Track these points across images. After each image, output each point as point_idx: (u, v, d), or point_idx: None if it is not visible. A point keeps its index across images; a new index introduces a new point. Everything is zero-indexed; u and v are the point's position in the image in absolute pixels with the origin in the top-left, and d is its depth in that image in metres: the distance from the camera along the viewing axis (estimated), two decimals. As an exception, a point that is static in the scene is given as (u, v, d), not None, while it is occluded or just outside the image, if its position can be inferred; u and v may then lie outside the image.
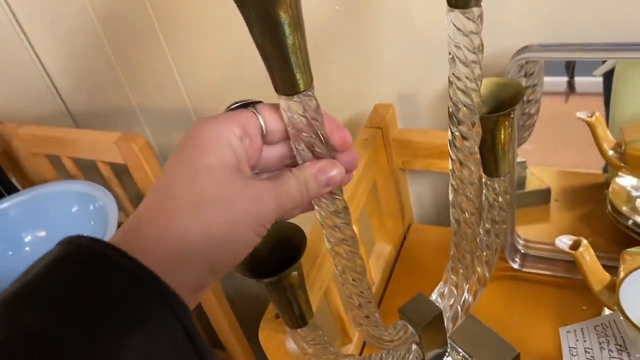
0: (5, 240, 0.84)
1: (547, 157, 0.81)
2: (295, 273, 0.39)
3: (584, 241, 0.52)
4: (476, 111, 0.42)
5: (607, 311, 0.56)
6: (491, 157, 0.47)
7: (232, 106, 0.36)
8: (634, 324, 0.35)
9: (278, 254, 0.41)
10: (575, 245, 0.52)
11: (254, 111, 0.35)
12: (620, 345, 0.38)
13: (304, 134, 0.36)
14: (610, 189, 0.73)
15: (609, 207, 0.72)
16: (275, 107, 0.36)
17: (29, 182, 0.94)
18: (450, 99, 0.43)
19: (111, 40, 0.90)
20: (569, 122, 0.74)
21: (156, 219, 0.30)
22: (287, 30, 0.30)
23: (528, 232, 0.73)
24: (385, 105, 0.70)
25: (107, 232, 0.73)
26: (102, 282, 0.26)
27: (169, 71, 0.88)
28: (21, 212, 0.85)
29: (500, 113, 0.44)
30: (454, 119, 0.43)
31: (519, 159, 0.79)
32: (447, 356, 0.56)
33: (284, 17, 0.29)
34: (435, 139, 0.69)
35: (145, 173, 0.79)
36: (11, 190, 0.90)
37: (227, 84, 0.86)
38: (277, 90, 0.34)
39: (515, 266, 0.68)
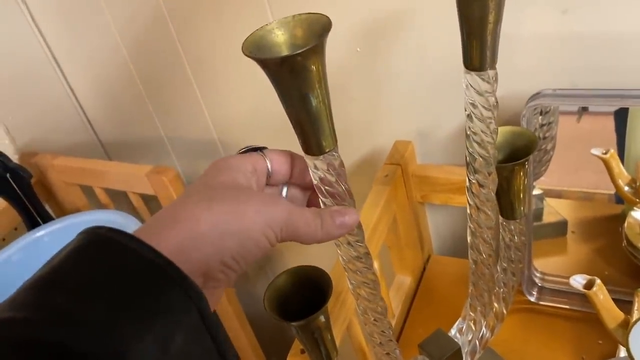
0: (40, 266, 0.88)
1: (563, 179, 0.82)
2: (322, 317, 0.42)
3: (598, 281, 0.54)
4: (492, 162, 0.45)
5: (622, 349, 0.58)
6: (507, 202, 0.50)
7: (243, 150, 0.40)
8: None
9: (304, 295, 0.43)
10: (589, 285, 0.54)
11: (262, 154, 0.39)
12: (632, 387, 0.40)
13: (327, 187, 0.39)
14: (626, 223, 0.75)
15: (625, 241, 0.73)
16: (280, 151, 0.40)
17: (63, 211, 0.99)
18: (467, 150, 0.45)
19: (142, 75, 0.94)
20: (583, 142, 0.75)
21: (172, 213, 0.32)
22: (315, 104, 0.33)
23: (545, 265, 0.74)
24: (404, 142, 0.73)
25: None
26: (123, 269, 0.27)
27: (197, 104, 0.92)
28: (56, 240, 0.89)
29: (515, 162, 0.46)
30: (471, 168, 0.46)
31: (536, 191, 0.81)
32: (466, 389, 0.58)
33: (313, 95, 0.32)
34: (452, 175, 0.71)
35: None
36: (46, 218, 0.94)
37: (252, 117, 0.90)
38: (303, 149, 0.37)
39: (532, 299, 0.70)
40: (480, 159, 0.45)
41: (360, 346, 0.63)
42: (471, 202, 0.48)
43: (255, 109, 0.88)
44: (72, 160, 0.93)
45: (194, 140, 1.00)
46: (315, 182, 0.39)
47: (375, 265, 0.67)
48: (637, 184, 0.70)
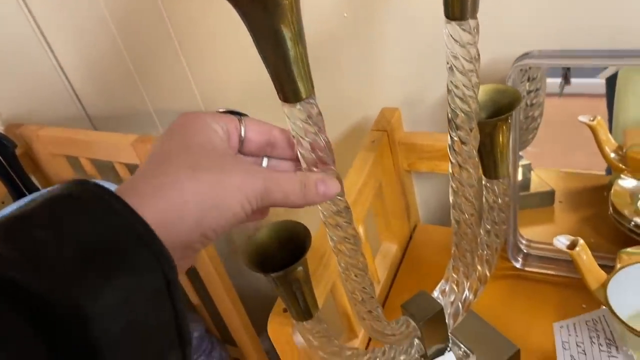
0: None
1: (554, 160, 0.82)
2: (300, 268, 0.42)
3: (581, 241, 0.54)
4: (474, 117, 0.45)
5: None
6: (490, 161, 0.49)
7: (221, 110, 0.39)
8: (620, 320, 0.37)
9: (285, 250, 0.43)
10: (572, 245, 0.54)
11: (238, 118, 0.38)
12: (609, 340, 0.40)
13: (306, 138, 0.39)
14: (612, 191, 0.75)
15: (611, 209, 0.73)
16: (260, 122, 0.39)
17: (49, 183, 0.98)
18: (449, 105, 0.45)
19: (129, 48, 0.93)
20: (574, 124, 0.75)
21: (155, 177, 0.31)
22: (289, 44, 0.32)
23: (532, 233, 0.74)
24: (391, 109, 0.73)
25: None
26: (98, 222, 0.27)
27: (184, 77, 0.91)
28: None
29: (498, 118, 0.46)
30: (453, 124, 0.45)
31: (524, 162, 0.81)
32: (449, 351, 0.58)
33: (286, 32, 0.32)
34: (439, 142, 0.71)
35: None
36: (32, 189, 0.93)
37: (240, 89, 0.89)
38: (280, 98, 0.37)
39: (518, 265, 0.70)
40: (462, 115, 0.44)
41: (344, 310, 0.63)
42: (453, 160, 0.48)
43: (243, 81, 0.87)
44: (57, 131, 0.92)
45: (180, 111, 0.99)
46: (293, 133, 0.39)
47: (361, 230, 0.67)
48: (624, 150, 0.70)
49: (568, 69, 0.70)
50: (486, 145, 0.48)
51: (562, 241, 0.53)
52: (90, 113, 1.09)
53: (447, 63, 0.42)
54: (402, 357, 0.56)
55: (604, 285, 0.51)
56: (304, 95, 0.36)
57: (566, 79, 0.72)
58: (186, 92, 0.94)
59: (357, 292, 0.49)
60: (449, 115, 0.45)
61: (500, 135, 0.47)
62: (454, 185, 0.50)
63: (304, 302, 0.45)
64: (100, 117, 1.09)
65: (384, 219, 0.74)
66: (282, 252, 0.43)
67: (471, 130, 0.45)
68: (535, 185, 0.81)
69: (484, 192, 0.53)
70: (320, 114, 0.38)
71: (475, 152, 0.47)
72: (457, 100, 0.44)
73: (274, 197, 0.35)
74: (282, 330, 0.51)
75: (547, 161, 0.82)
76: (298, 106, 0.37)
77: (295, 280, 0.43)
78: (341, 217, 0.43)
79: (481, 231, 0.55)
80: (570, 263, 0.70)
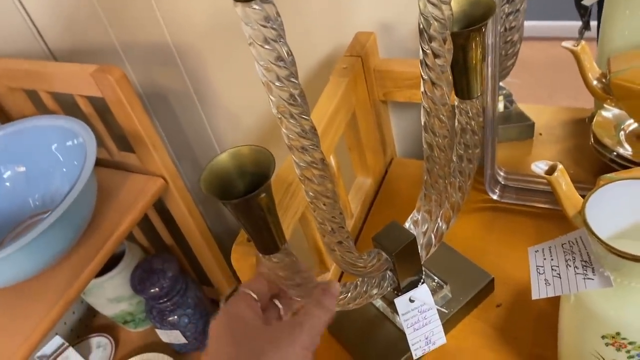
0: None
1: (542, 102, 0.80)
2: (264, 196, 0.38)
3: (560, 166, 0.51)
4: (447, 25, 0.41)
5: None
6: (463, 79, 0.46)
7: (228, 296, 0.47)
8: (598, 239, 0.35)
9: (249, 178, 0.40)
10: (551, 170, 0.51)
11: (250, 294, 0.45)
12: (585, 262, 0.38)
13: (266, 46, 0.35)
14: (594, 121, 0.72)
15: (592, 139, 0.71)
16: (256, 279, 0.47)
17: (8, 118, 0.93)
18: (421, 15, 0.41)
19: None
20: (561, 68, 0.73)
21: None
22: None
23: (510, 165, 0.72)
24: (366, 34, 0.68)
25: (85, 168, 0.73)
26: None
27: (148, 5, 0.86)
28: (4, 146, 0.84)
29: (471, 28, 0.42)
30: (425, 35, 0.42)
31: (505, 91, 0.78)
32: (422, 283, 0.56)
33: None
34: (416, 69, 0.67)
35: (123, 106, 0.77)
36: (-9, 126, 0.88)
37: (207, 19, 0.83)
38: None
39: (495, 197, 0.68)
40: (435, 23, 0.40)
41: (314, 242, 0.61)
42: (425, 77, 0.45)
43: (210, 9, 0.82)
44: (13, 62, 0.86)
45: (146, 44, 0.94)
46: (250, 40, 0.35)
47: (332, 162, 0.64)
48: (608, 77, 0.67)
49: (589, 14, 0.67)
50: (459, 62, 0.45)
51: (540, 166, 0.51)
52: (53, 48, 1.03)
53: (418, -35, 0.38)
54: (374, 291, 0.54)
55: (582, 206, 0.49)
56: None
57: (586, 25, 0.68)
58: (150, 22, 0.88)
59: (327, 222, 0.47)
60: (421, 24, 0.42)
61: (474, 49, 0.44)
62: (426, 105, 0.47)
63: (268, 234, 0.41)
64: (63, 52, 1.03)
65: (358, 152, 0.71)
66: (245, 180, 0.40)
67: (444, 41, 0.42)
68: (515, 118, 0.79)
69: (457, 114, 0.50)
70: (279, 17, 0.34)
71: (448, 68, 0.44)
72: (430, 7, 0.40)
73: (318, 333, 0.43)
74: (246, 260, 0.49)
75: (530, 98, 0.79)
76: (254, 5, 0.33)
77: (258, 209, 0.39)
78: (306, 139, 0.40)
79: (454, 158, 0.52)
80: (548, 194, 0.68)
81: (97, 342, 1.11)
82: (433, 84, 0.45)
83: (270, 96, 0.37)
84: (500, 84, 0.75)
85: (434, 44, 0.42)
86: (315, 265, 0.66)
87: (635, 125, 0.70)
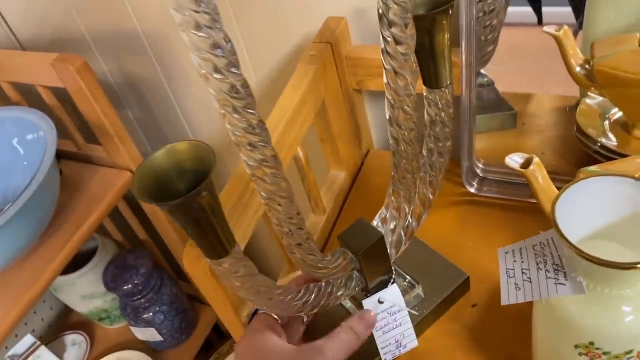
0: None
1: (530, 90, 0.77)
2: (205, 194, 0.35)
3: (535, 159, 0.48)
4: (408, 8, 0.37)
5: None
6: (430, 65, 0.43)
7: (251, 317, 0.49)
8: (568, 242, 0.32)
9: (191, 180, 0.37)
10: (526, 163, 0.48)
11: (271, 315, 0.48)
12: (557, 265, 0.35)
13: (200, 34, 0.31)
14: (578, 109, 0.69)
15: (575, 128, 0.68)
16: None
17: (-30, 111, 0.89)
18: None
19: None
20: (546, 55, 0.69)
21: None
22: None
23: (490, 157, 0.69)
24: (336, 19, 0.65)
25: (45, 160, 0.69)
26: None
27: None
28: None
29: (436, 10, 0.39)
30: (385, 20, 0.38)
31: (485, 79, 0.74)
32: (392, 283, 0.53)
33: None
34: (389, 56, 0.63)
35: (85, 97, 0.74)
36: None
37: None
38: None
39: (472, 190, 0.65)
40: (395, 6, 0.37)
41: (279, 241, 0.57)
42: (387, 66, 0.41)
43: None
44: (-28, 52, 0.82)
45: (115, 33, 0.90)
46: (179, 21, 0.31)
47: (301, 154, 0.60)
48: (591, 63, 0.64)
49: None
50: (425, 47, 0.41)
51: (515, 159, 0.48)
52: (22, 39, 0.99)
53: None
54: (340, 292, 0.51)
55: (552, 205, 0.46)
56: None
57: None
58: (118, 8, 0.84)
59: (283, 224, 0.43)
60: (380, 9, 0.38)
61: (441, 33, 0.40)
62: (389, 97, 0.43)
63: (214, 237, 0.38)
64: (32, 42, 0.99)
65: (330, 144, 0.68)
66: (186, 180, 0.37)
67: (406, 26, 0.38)
68: (497, 107, 0.75)
69: (425, 105, 0.46)
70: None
71: (412, 56, 0.40)
72: (388, -11, 0.37)
73: (342, 349, 0.45)
74: (200, 263, 0.46)
75: (512, 86, 0.75)
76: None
77: (199, 210, 0.36)
78: (254, 135, 0.37)
79: (423, 151, 0.49)
80: (526, 187, 0.65)
81: (71, 339, 1.09)
82: (396, 73, 0.41)
83: (210, 89, 0.34)
84: (482, 71, 0.72)
85: (394, 30, 0.38)
86: (284, 264, 0.63)
87: (620, 114, 0.67)
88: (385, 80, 0.43)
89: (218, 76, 0.33)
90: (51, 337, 1.11)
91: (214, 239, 0.38)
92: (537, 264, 0.36)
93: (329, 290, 0.50)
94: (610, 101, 0.65)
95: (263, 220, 0.55)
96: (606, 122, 0.68)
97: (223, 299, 0.48)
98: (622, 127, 0.66)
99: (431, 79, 0.43)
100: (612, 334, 0.34)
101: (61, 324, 1.18)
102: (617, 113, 0.67)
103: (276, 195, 0.41)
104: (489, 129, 0.74)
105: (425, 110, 0.47)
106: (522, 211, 0.63)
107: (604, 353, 0.35)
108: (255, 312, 0.50)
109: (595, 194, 0.35)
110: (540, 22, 0.67)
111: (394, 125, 0.45)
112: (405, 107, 0.43)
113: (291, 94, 0.56)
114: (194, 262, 0.45)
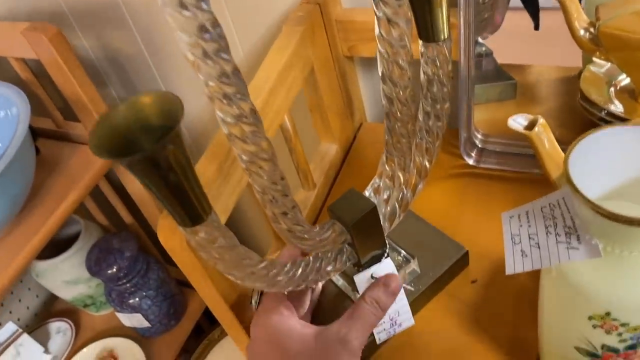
0: None
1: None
2: (171, 147, 0.31)
3: (541, 120, 0.44)
4: (401, -55, 0.33)
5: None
6: (426, 14, 0.39)
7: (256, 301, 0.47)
8: (584, 197, 0.28)
9: (159, 137, 0.32)
10: (531, 125, 0.44)
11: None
12: (569, 228, 0.31)
13: None
14: (582, 76, 0.65)
15: (579, 96, 0.64)
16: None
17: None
18: None
19: None
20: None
21: None
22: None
23: (489, 128, 0.65)
24: (325, -20, 0.60)
25: (16, 136, 0.65)
26: None
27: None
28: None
29: (432, -51, 0.35)
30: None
31: (483, 48, 0.71)
32: (386, 257, 0.49)
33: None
34: (382, 19, 0.59)
35: (61, 69, 0.69)
36: None
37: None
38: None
39: (471, 162, 0.61)
40: (385, -58, 0.33)
41: (266, 215, 0.54)
42: (380, 14, 0.38)
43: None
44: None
45: (95, 5, 0.85)
46: None
47: (288, 124, 0.57)
48: (597, 26, 0.60)
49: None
50: (420, -7, 0.37)
51: (518, 121, 0.44)
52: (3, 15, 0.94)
53: None
54: (329, 267, 0.47)
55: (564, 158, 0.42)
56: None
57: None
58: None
59: (267, 191, 0.39)
60: (370, -54, 0.34)
61: (438, -24, 0.36)
62: (382, 50, 0.40)
63: (187, 201, 0.34)
64: (5, 15, 0.94)
65: (320, 115, 0.64)
66: (154, 138, 0.33)
67: (399, -34, 0.34)
68: (496, 76, 0.72)
69: (421, 63, 0.43)
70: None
71: (406, 1, 0.37)
72: None
73: (370, 330, 0.42)
74: (176, 236, 0.42)
75: (511, 58, 0.72)
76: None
77: (167, 167, 0.32)
78: (229, 85, 0.33)
79: (419, 116, 0.45)
80: (530, 158, 0.62)
81: (56, 327, 1.05)
82: (389, 21, 0.37)
83: (178, 31, 0.30)
84: (480, 40, 0.68)
85: (387, -31, 0.35)
86: (271, 240, 0.59)
87: (627, 80, 0.63)
88: (377, 32, 0.39)
89: (187, 13, 0.29)
90: (37, 325, 1.08)
91: (187, 204, 0.34)
92: (546, 227, 0.33)
93: (318, 265, 0.46)
94: (617, 66, 0.61)
95: (249, 194, 0.52)
96: (612, 89, 0.64)
97: (203, 274, 0.44)
98: (629, 95, 0.63)
99: (427, 31, 0.39)
100: (631, 303, 0.30)
101: (47, 312, 1.14)
102: (623, 80, 0.64)
103: (257, 157, 0.37)
104: (487, 99, 0.70)
105: (421, 69, 0.43)
106: (523, 183, 0.59)
107: (622, 325, 0.31)
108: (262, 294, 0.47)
109: (612, 147, 0.31)
110: (537, 27, 0.64)
111: (387, 82, 0.41)
112: (400, 60, 0.39)
113: (277, 56, 0.52)
114: (169, 234, 0.41)
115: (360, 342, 0.41)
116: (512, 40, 0.69)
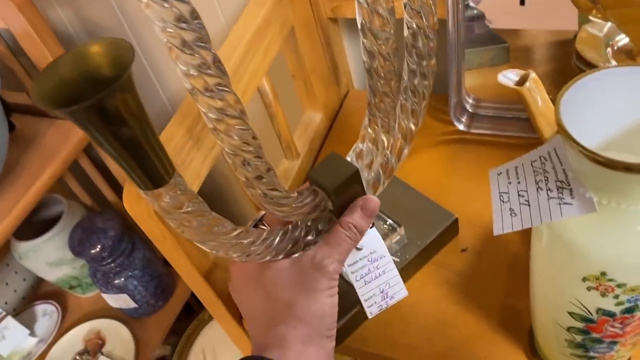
0: None
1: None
2: (121, 95, 0.27)
3: (532, 74, 0.42)
4: None
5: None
6: (407, -44, 0.36)
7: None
8: (578, 144, 0.26)
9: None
10: (522, 80, 0.41)
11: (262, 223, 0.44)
12: (561, 182, 0.29)
13: None
14: (577, 37, 0.62)
15: (575, 57, 0.61)
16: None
17: None
18: None
19: None
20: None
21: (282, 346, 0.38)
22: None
23: (480, 93, 0.63)
24: None
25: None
26: None
27: None
28: None
29: None
30: None
31: (475, 11, 0.68)
32: (372, 226, 0.47)
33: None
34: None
35: (32, 39, 0.66)
36: None
37: None
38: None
39: (461, 127, 0.59)
40: None
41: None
42: (356, -44, 0.34)
43: None
44: None
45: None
46: None
47: (267, 87, 0.54)
48: (592, -17, 0.57)
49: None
50: None
51: (509, 76, 0.41)
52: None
53: None
54: (309, 237, 0.45)
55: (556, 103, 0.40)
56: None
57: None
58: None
59: (239, 152, 0.37)
60: None
61: None
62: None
63: (145, 160, 0.31)
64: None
65: (303, 81, 0.61)
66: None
67: None
68: (488, 40, 0.69)
69: (405, 16, 0.40)
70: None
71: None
72: None
73: (343, 256, 0.41)
74: (141, 203, 0.39)
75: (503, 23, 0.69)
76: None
77: (117, 120, 0.28)
78: (187, 30, 0.29)
79: (404, 75, 0.42)
80: (521, 121, 0.59)
81: (42, 309, 1.03)
82: (366, -36, 0.34)
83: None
84: (471, 3, 0.65)
85: None
86: (252, 207, 0.56)
87: (625, 40, 0.61)
88: (354, -23, 0.36)
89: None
90: (23, 308, 1.05)
91: (145, 163, 0.31)
92: (537, 183, 0.30)
93: (297, 234, 0.43)
94: (615, 24, 0.58)
95: (226, 169, 0.49)
96: (609, 49, 0.61)
97: (173, 244, 0.42)
98: (627, 55, 0.60)
99: (409, -25, 0.36)
100: (628, 261, 0.28)
101: (35, 295, 1.12)
102: (620, 40, 0.61)
103: (224, 114, 0.34)
104: (479, 64, 0.67)
105: (404, 22, 0.40)
106: (516, 148, 0.56)
107: (618, 285, 0.29)
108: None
109: (607, 90, 0.28)
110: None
111: (367, 34, 0.38)
112: (380, 9, 0.36)
113: (252, 13, 0.49)
114: (134, 201, 0.39)
115: (335, 267, 0.40)
116: (505, 4, 0.66)
